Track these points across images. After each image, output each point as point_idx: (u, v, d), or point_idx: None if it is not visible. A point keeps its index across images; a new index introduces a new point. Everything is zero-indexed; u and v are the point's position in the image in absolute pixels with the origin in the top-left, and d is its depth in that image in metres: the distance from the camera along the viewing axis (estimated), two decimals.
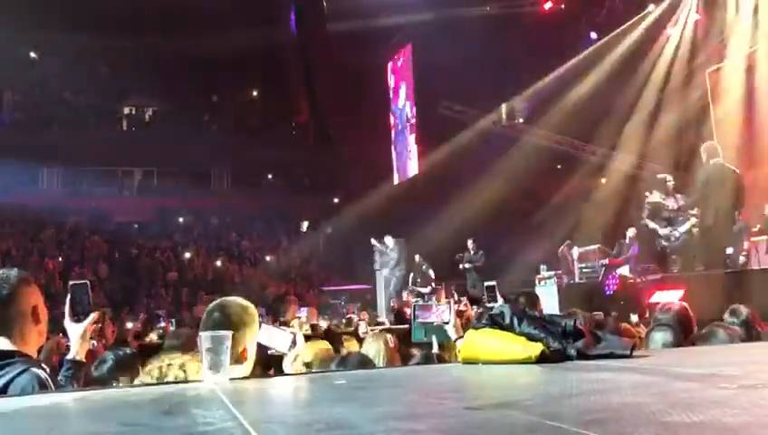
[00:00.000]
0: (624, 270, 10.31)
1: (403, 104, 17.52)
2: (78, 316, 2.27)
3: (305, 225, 20.58)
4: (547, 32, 14.35)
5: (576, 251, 11.88)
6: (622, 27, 13.68)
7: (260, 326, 2.32)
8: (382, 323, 8.09)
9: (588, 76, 14.01)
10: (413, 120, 16.85)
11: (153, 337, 8.30)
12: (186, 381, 1.95)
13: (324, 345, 3.50)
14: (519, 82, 15.07)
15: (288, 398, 1.52)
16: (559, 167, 16.32)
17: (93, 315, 2.29)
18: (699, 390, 1.21)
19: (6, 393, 1.82)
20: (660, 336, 3.22)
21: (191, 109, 22.04)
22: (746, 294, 5.49)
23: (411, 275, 13.11)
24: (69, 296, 2.29)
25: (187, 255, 18.31)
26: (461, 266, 12.76)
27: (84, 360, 2.28)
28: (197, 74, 20.74)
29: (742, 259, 8.77)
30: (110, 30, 17.63)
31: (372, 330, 5.85)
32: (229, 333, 1.62)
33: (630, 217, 11.56)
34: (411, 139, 16.97)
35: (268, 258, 18.66)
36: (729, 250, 8.28)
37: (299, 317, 8.42)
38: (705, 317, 3.90)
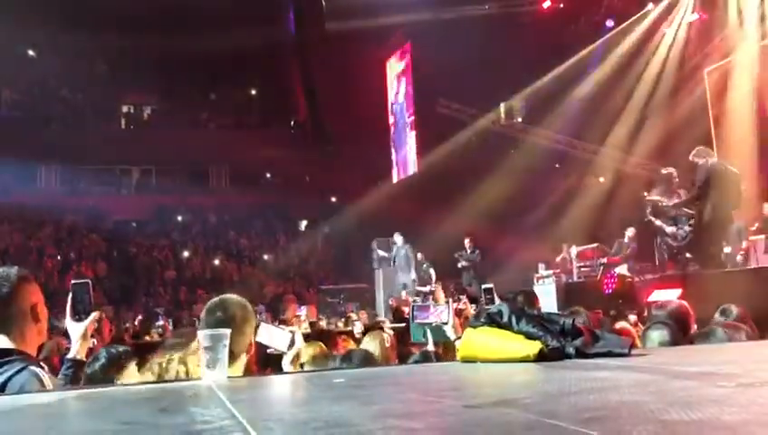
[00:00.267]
0: (623, 269, 10.33)
1: (402, 103, 17.51)
2: (79, 315, 2.27)
3: (304, 223, 20.59)
4: (546, 31, 14.36)
5: (574, 250, 11.89)
6: (621, 26, 13.69)
7: (259, 325, 2.33)
8: (382, 322, 8.08)
9: (587, 76, 14.03)
10: (412, 119, 16.86)
11: (154, 335, 8.33)
12: (184, 380, 1.95)
13: (319, 346, 3.53)
14: (518, 81, 15.08)
15: (286, 396, 1.51)
16: (557, 166, 16.34)
17: (94, 314, 2.29)
18: (697, 388, 1.21)
19: (4, 391, 1.82)
20: (657, 334, 3.14)
21: (189, 107, 22.04)
22: (745, 293, 5.48)
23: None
24: (70, 295, 2.28)
25: (186, 253, 18.29)
26: (459, 265, 12.77)
27: (85, 359, 2.28)
28: (196, 73, 20.73)
29: (740, 258, 8.79)
30: (108, 28, 17.58)
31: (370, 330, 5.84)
32: (227, 331, 1.61)
33: (629, 215, 11.56)
34: (410, 137, 16.98)
35: (266, 257, 18.62)
36: (727, 249, 8.30)
37: (298, 316, 8.44)
38: (703, 316, 3.90)
